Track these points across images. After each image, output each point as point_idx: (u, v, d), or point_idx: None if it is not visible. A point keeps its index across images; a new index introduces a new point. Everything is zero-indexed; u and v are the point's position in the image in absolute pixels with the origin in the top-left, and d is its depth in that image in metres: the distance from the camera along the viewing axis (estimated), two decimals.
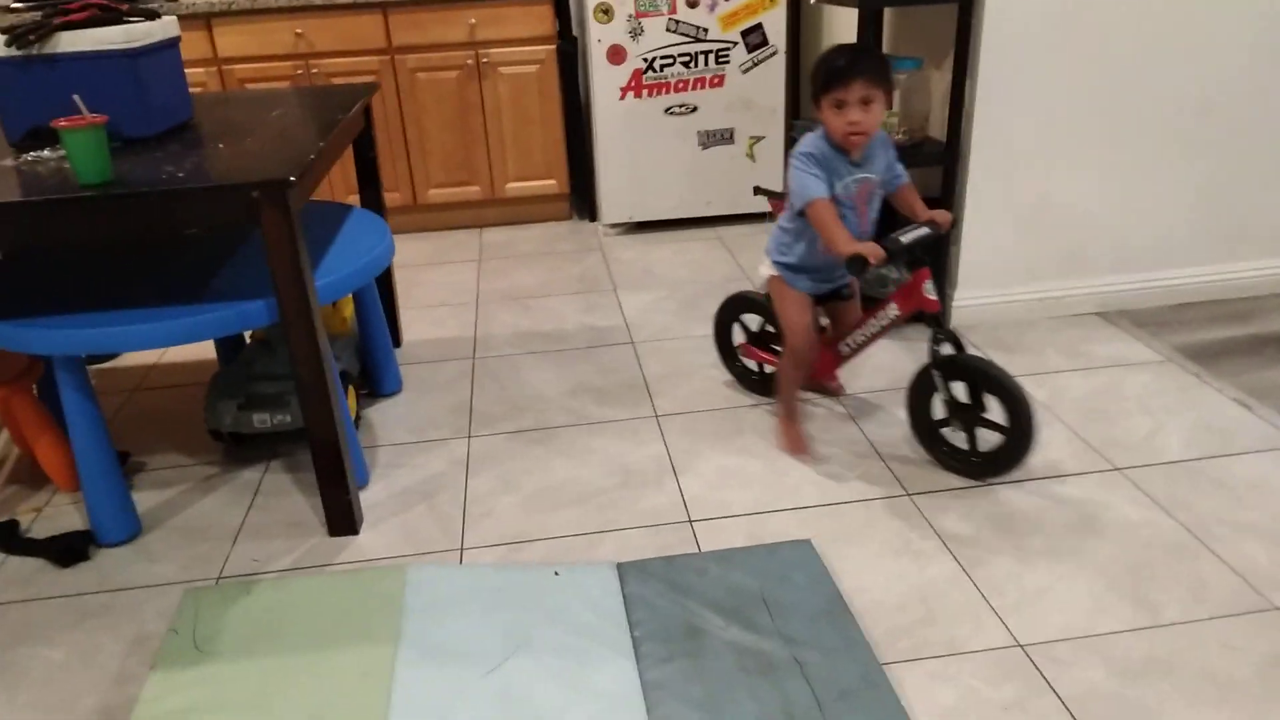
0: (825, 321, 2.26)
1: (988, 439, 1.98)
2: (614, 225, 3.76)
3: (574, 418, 2.35)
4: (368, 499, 2.03)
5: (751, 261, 3.34)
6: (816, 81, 1.91)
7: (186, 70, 2.12)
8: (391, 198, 3.73)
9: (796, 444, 2.15)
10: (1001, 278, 2.74)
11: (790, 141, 3.37)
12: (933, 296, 1.94)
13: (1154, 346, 2.57)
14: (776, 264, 2.09)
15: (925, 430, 2.07)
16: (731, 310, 2.43)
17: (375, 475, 2.13)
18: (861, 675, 1.47)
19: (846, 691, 1.44)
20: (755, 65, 3.53)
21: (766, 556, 1.76)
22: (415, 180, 3.75)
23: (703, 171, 3.66)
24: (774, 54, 3.52)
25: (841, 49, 1.93)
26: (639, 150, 3.60)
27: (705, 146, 3.64)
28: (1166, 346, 2.56)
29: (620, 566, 1.74)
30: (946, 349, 1.95)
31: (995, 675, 1.50)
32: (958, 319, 2.75)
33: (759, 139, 3.65)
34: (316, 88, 2.69)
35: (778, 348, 2.29)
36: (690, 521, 1.93)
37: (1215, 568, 1.72)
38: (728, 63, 3.52)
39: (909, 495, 1.98)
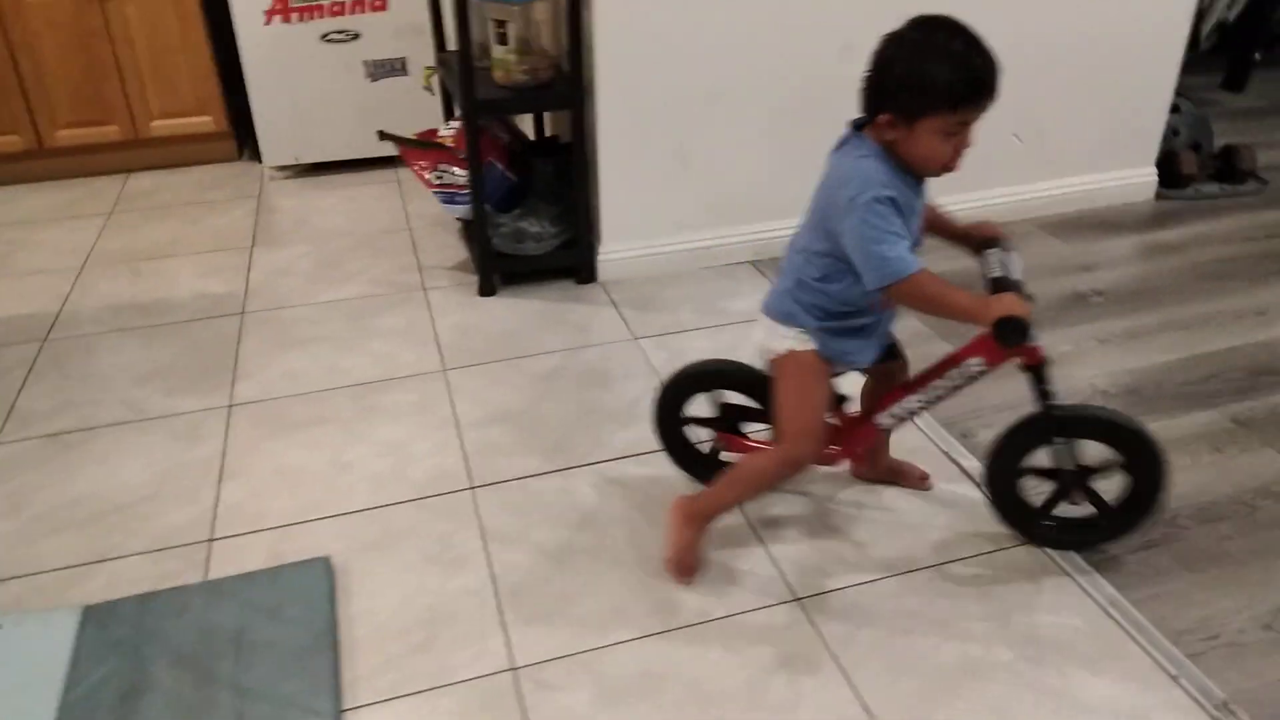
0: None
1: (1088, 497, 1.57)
2: (282, 168, 3.38)
3: (130, 412, 2.05)
4: None
5: (426, 209, 3.05)
6: (923, 91, 1.26)
7: None
8: (9, 141, 3.22)
9: (691, 564, 1.59)
10: (647, 229, 2.58)
11: (445, 90, 3.05)
12: (1037, 343, 1.43)
13: None
14: (815, 331, 1.44)
15: (1024, 512, 1.62)
16: (684, 390, 1.70)
17: None
18: None
19: None
20: None
21: (267, 583, 1.55)
22: (37, 121, 3.22)
23: (375, 106, 3.30)
24: None
25: (960, 40, 1.27)
26: (297, 83, 3.21)
27: (375, 78, 3.29)
28: None
29: (87, 610, 1.50)
30: (1054, 405, 1.48)
31: (472, 710, 1.36)
32: (604, 274, 2.59)
33: (436, 69, 3.33)
34: None
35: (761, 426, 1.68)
36: (210, 541, 1.69)
37: (755, 559, 1.64)
38: None
39: (471, 489, 1.81)
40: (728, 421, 1.71)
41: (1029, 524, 1.64)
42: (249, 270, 2.68)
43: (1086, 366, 2.14)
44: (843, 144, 1.40)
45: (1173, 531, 1.67)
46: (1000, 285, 1.38)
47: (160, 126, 3.34)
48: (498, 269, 2.54)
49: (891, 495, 1.77)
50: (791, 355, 1.46)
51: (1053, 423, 1.49)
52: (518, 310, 2.45)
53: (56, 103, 3.21)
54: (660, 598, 1.55)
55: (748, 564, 1.62)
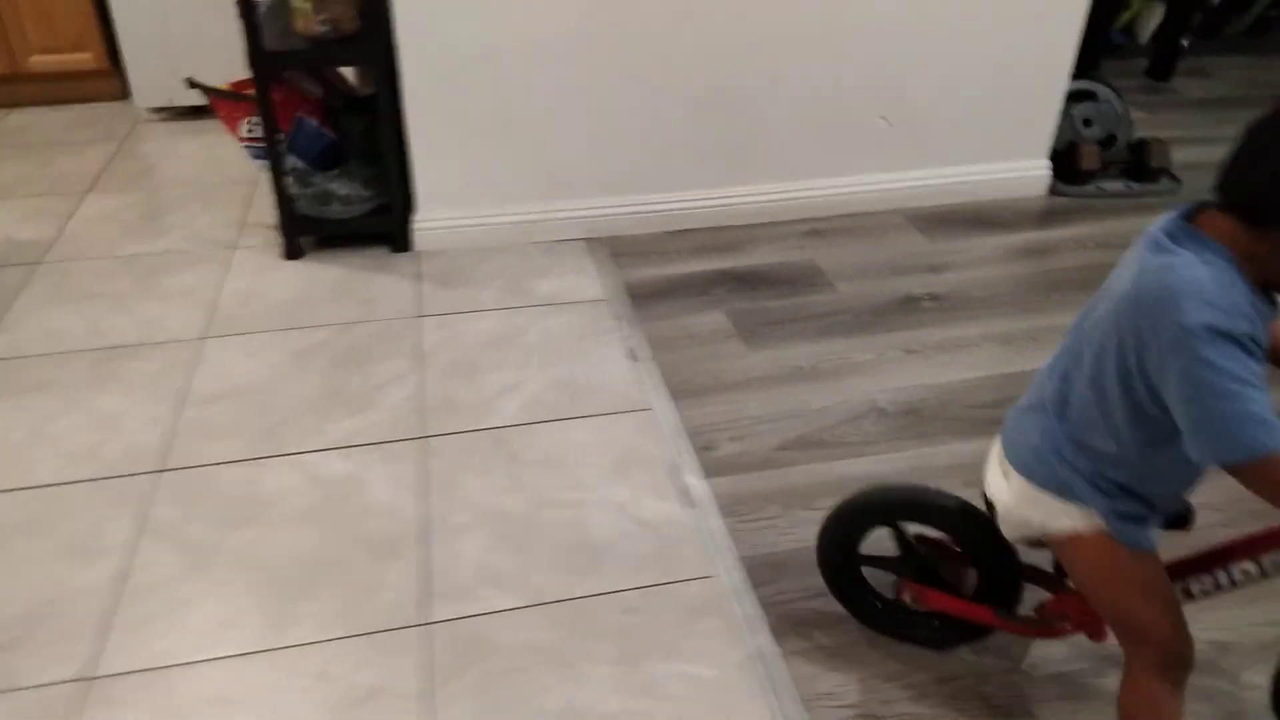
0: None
1: None
2: (158, 110, 3.28)
3: None
4: None
5: None
6: None
7: None
8: None
9: None
10: (468, 197, 2.43)
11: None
12: None
13: (607, 282, 2.33)
14: (1107, 514, 1.06)
15: None
16: (860, 522, 1.34)
17: None
18: None
19: None
20: None
21: None
22: None
23: None
24: None
25: None
26: (169, 19, 3.09)
27: None
28: (618, 283, 2.33)
29: None
30: None
31: None
32: (423, 243, 2.45)
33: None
34: None
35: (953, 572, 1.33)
36: None
37: (404, 573, 1.52)
38: None
39: (158, 473, 1.72)
40: (918, 566, 1.33)
41: None
42: (70, 218, 2.60)
43: (876, 380, 1.94)
44: (1164, 238, 0.97)
45: None
46: None
47: (39, 62, 3.26)
48: (308, 231, 2.43)
49: (589, 511, 1.63)
50: (1080, 540, 1.08)
51: None
52: (314, 278, 2.33)
53: None
54: (281, 611, 1.45)
55: (395, 576, 1.50)
